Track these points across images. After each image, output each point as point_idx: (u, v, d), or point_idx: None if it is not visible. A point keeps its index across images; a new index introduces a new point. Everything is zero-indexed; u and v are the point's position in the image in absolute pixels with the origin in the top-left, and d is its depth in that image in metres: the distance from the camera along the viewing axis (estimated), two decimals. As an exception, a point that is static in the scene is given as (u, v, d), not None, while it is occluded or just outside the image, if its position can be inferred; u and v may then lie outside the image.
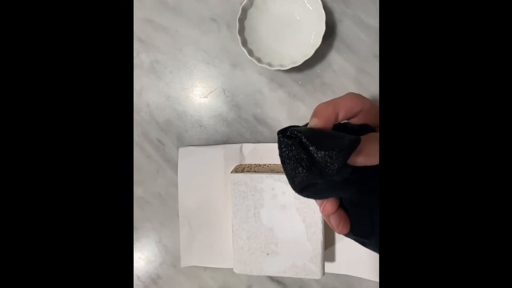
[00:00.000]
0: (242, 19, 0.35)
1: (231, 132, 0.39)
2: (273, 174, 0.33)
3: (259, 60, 0.35)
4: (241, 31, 0.35)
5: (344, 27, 0.37)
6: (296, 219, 0.32)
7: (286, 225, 0.33)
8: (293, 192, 0.32)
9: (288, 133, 0.18)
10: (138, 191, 0.38)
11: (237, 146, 0.38)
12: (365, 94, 0.37)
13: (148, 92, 0.40)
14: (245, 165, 0.37)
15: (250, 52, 0.35)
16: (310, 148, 0.17)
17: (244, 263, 0.34)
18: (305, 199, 0.31)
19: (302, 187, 0.18)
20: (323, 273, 0.33)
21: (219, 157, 0.38)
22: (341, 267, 0.36)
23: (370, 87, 0.37)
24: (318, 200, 0.21)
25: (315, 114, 0.20)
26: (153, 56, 0.40)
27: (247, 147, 0.37)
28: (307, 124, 0.20)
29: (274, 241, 0.33)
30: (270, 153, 0.37)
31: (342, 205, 0.21)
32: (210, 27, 0.39)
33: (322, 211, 0.21)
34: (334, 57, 0.37)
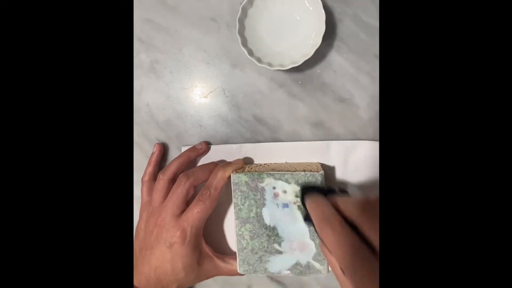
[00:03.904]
0: (242, 19, 0.35)
1: (231, 132, 0.39)
2: (273, 173, 0.33)
3: (259, 60, 0.35)
4: (241, 31, 0.35)
5: (344, 27, 0.37)
6: (298, 217, 0.32)
7: (288, 224, 0.33)
8: (294, 190, 0.32)
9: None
10: (138, 191, 0.38)
11: (237, 146, 0.38)
12: (365, 94, 0.37)
13: (148, 92, 0.40)
14: (246, 165, 0.37)
15: (250, 52, 0.35)
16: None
17: (248, 263, 0.34)
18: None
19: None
20: (328, 270, 0.33)
21: (219, 157, 0.38)
22: None
23: (370, 87, 0.37)
24: None
25: None
26: (153, 56, 0.40)
27: (247, 147, 0.37)
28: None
29: (277, 241, 0.33)
30: (270, 153, 0.37)
31: None
32: (210, 27, 0.39)
33: None
34: (334, 57, 0.37)
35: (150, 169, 0.38)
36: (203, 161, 0.38)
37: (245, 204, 0.33)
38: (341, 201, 0.26)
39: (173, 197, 0.34)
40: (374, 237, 0.22)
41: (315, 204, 0.27)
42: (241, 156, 0.37)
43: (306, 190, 0.32)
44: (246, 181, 0.33)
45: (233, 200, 0.34)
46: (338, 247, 0.23)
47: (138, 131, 0.40)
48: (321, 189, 0.31)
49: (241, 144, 0.38)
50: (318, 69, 0.37)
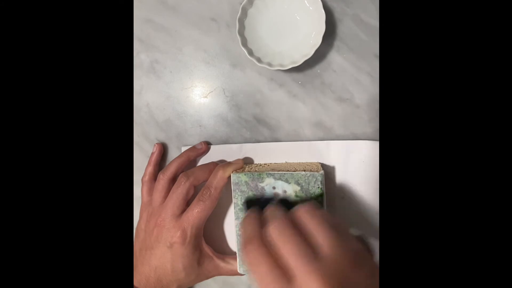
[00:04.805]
0: (242, 19, 0.35)
1: (231, 132, 0.39)
2: (273, 173, 0.33)
3: (259, 60, 0.35)
4: (241, 31, 0.35)
5: (344, 27, 0.37)
6: None
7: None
8: (294, 190, 0.32)
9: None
10: (138, 191, 0.38)
11: (237, 146, 0.38)
12: (365, 94, 0.37)
13: (148, 92, 0.40)
14: (246, 165, 0.37)
15: (250, 52, 0.35)
16: None
17: None
18: (306, 197, 0.31)
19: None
20: None
21: (219, 157, 0.38)
22: None
23: (370, 87, 0.37)
24: None
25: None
26: (153, 56, 0.40)
27: (247, 147, 0.37)
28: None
29: None
30: (270, 152, 0.37)
31: None
32: (210, 27, 0.39)
33: None
34: (334, 57, 0.37)
35: (150, 169, 0.38)
36: (203, 161, 0.38)
37: (245, 204, 0.33)
38: (269, 215, 0.25)
39: (173, 197, 0.34)
40: (286, 258, 0.21)
41: (243, 221, 0.27)
42: (241, 156, 0.38)
43: (248, 205, 0.33)
44: (246, 181, 0.33)
45: (233, 200, 0.34)
46: (254, 267, 0.22)
47: (138, 131, 0.40)
48: (260, 201, 0.32)
49: (241, 144, 0.38)
50: (318, 69, 0.37)
